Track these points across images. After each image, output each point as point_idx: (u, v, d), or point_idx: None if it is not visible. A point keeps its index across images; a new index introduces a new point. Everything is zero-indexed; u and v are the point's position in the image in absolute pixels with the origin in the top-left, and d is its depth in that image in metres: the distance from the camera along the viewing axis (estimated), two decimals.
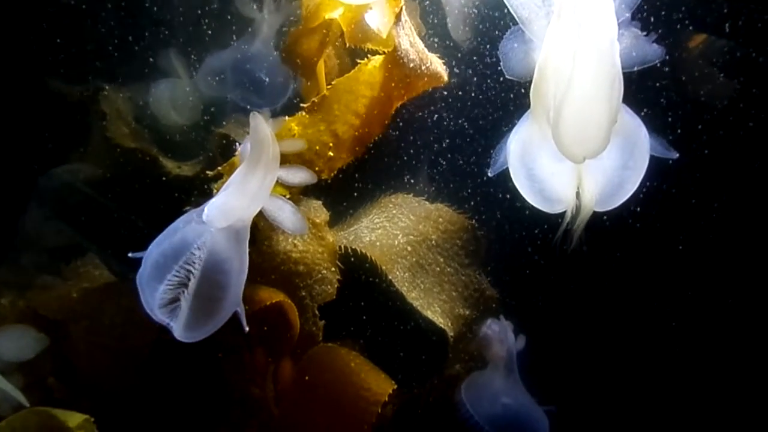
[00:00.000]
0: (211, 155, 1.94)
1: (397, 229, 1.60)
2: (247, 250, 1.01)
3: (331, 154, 1.16)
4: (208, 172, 1.20)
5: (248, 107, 1.87)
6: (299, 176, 0.97)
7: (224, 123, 1.96)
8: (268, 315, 1.39)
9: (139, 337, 1.48)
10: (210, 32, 1.93)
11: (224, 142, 1.93)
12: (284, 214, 0.97)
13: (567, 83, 0.88)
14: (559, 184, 1.01)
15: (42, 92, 1.92)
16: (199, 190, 1.80)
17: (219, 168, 1.20)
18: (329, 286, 1.41)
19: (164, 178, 1.91)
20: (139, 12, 1.94)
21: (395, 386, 1.24)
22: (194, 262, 0.93)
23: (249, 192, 0.95)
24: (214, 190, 1.15)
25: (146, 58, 1.94)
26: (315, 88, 1.60)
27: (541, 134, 0.96)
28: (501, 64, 1.02)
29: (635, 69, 0.97)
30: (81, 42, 1.95)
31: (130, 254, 0.99)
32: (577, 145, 0.90)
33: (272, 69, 1.86)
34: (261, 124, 0.93)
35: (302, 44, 1.51)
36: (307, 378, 1.28)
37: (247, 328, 1.02)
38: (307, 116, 1.18)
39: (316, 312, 1.40)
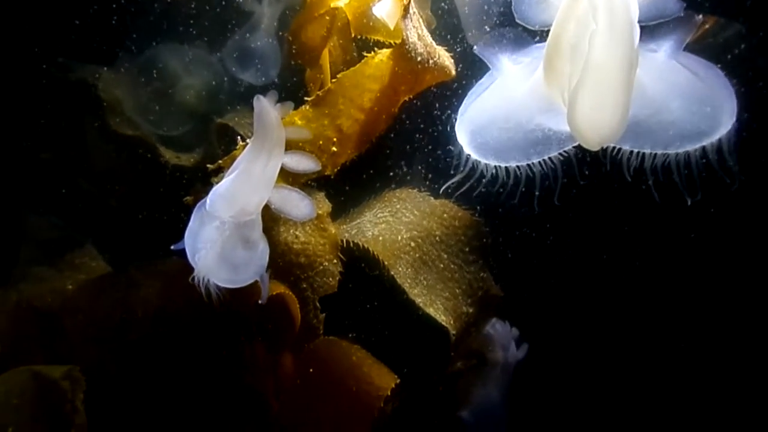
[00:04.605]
0: (211, 146, 1.99)
1: (400, 224, 1.65)
2: (262, 238, 1.05)
3: (335, 149, 1.20)
4: (208, 165, 1.24)
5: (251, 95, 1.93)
6: (304, 164, 1.01)
7: (224, 114, 2.01)
8: (268, 307, 1.43)
9: (136, 330, 1.52)
10: (210, 23, 1.97)
11: (225, 132, 1.98)
12: (292, 201, 1.01)
13: (583, 67, 0.88)
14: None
15: (39, 78, 1.95)
16: (199, 181, 1.85)
17: (219, 161, 1.24)
18: (331, 279, 1.45)
19: (163, 168, 1.94)
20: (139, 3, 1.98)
21: (398, 380, 1.29)
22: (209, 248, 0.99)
23: (253, 178, 1.00)
24: (214, 183, 1.19)
25: (143, 48, 1.98)
26: (319, 77, 1.64)
27: (548, 100, 0.97)
28: (512, 5, 1.00)
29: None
30: (80, 28, 1.99)
31: (172, 246, 1.07)
32: (594, 131, 0.91)
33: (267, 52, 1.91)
34: (266, 108, 0.97)
35: (307, 32, 1.55)
36: (308, 371, 1.33)
37: (264, 300, 1.10)
38: (311, 110, 1.22)
39: (317, 305, 1.44)
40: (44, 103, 1.97)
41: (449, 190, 1.52)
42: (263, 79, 1.98)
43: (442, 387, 1.65)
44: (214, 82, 2.04)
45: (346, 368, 1.28)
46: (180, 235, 1.88)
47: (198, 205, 1.09)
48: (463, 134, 1.09)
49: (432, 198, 1.70)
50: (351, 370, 1.27)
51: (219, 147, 1.98)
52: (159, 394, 1.53)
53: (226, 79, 2.03)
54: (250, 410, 1.51)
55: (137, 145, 1.98)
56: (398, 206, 1.70)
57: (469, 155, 1.10)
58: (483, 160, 1.08)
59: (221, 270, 1.04)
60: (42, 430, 1.31)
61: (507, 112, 1.06)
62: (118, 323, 1.50)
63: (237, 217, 1.01)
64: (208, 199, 1.02)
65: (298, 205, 1.01)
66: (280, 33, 1.89)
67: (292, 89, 1.94)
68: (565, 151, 1.05)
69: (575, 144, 1.02)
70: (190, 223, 1.08)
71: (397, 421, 1.39)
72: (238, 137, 1.24)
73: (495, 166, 1.11)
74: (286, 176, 1.24)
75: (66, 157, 2.00)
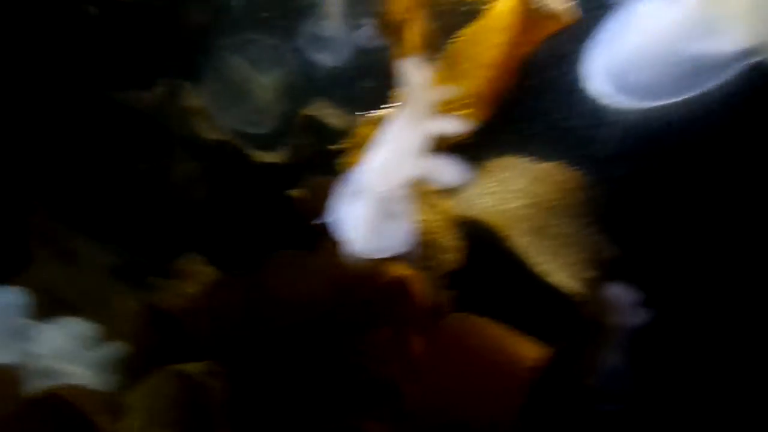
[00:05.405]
0: (298, 139, 1.99)
1: (511, 193, 1.60)
2: (410, 209, 1.03)
3: (463, 111, 1.14)
4: (330, 147, 1.22)
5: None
6: (455, 126, 0.96)
7: (305, 106, 2.01)
8: (392, 289, 1.42)
9: (260, 326, 1.54)
10: (279, 16, 1.97)
11: (310, 124, 1.98)
12: (441, 168, 0.97)
13: None
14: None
15: (107, 103, 2.00)
16: (291, 177, 1.86)
17: (343, 142, 1.21)
18: (452, 255, 1.42)
19: (254, 168, 1.97)
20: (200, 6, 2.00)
21: (544, 349, 1.24)
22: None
23: (404, 147, 0.96)
24: (342, 166, 1.17)
25: (220, 54, 2.00)
26: (405, 52, 1.60)
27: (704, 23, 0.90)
28: None
29: None
30: (144, 44, 2.04)
31: (314, 221, 1.07)
32: None
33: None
34: (416, 71, 0.93)
35: (393, 6, 1.52)
36: (443, 350, 1.30)
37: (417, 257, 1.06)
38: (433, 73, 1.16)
39: (442, 282, 1.41)
40: (127, 122, 2.02)
41: (567, 148, 1.45)
42: (339, 64, 1.98)
43: (569, 355, 1.59)
44: (291, 76, 2.05)
45: (486, 343, 1.24)
46: (280, 231, 1.89)
47: (342, 181, 1.07)
48: (600, 80, 1.03)
49: (538, 162, 1.64)
50: (492, 344, 1.23)
51: (306, 139, 1.99)
52: (285, 388, 1.54)
53: (301, 70, 2.04)
54: (381, 397, 1.50)
55: (226, 149, 2.01)
56: (505, 174, 1.64)
57: (607, 102, 1.03)
58: (625, 103, 1.02)
59: (369, 244, 1.02)
60: (187, 428, 1.34)
61: (649, 46, 0.99)
62: (242, 321, 1.51)
63: (388, 191, 0.98)
64: (358, 175, 1.00)
65: (448, 171, 0.97)
66: (351, 16, 1.87)
67: (369, 71, 1.92)
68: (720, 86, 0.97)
69: (738, 67, 0.93)
70: (336, 201, 1.07)
71: (537, 392, 1.33)
72: (364, 112, 1.21)
73: (628, 113, 1.04)
74: None
75: (155, 170, 2.05)
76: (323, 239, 1.65)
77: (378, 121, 1.17)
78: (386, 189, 0.97)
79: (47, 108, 1.95)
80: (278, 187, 1.89)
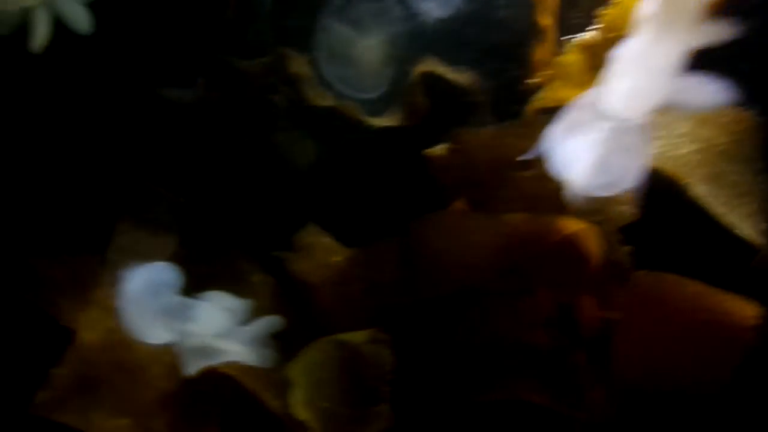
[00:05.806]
0: (412, 98, 1.88)
1: (677, 137, 1.43)
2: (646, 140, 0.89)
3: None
4: (527, 81, 1.09)
5: None
6: (719, 34, 0.80)
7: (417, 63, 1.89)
8: (558, 248, 1.29)
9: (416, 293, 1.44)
10: None
11: (429, 80, 1.86)
12: (694, 89, 0.81)
13: None
14: None
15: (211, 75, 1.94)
16: (410, 141, 1.76)
17: (538, 74, 1.08)
18: (627, 206, 1.28)
19: (369, 133, 1.88)
20: None
21: (760, 308, 1.08)
22: None
23: (656, 66, 0.82)
24: (535, 103, 1.04)
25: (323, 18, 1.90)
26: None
27: None
28: None
29: None
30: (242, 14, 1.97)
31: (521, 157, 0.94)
32: None
33: None
34: None
35: None
36: (637, 313, 1.16)
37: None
38: None
39: (618, 236, 1.27)
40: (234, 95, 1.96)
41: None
42: (448, 11, 1.85)
43: None
44: (397, 32, 1.93)
45: (693, 303, 1.10)
46: (402, 196, 1.78)
47: (568, 109, 0.94)
48: None
49: None
50: (701, 304, 1.09)
51: (422, 96, 1.88)
52: (442, 357, 1.45)
53: (408, 25, 1.92)
54: (538, 368, 1.39)
55: (338, 116, 1.93)
56: (665, 117, 1.47)
57: None
58: None
59: (595, 180, 0.89)
60: (351, 399, 1.28)
61: None
62: (395, 289, 1.43)
63: (632, 119, 0.85)
64: (604, 100, 0.86)
65: (702, 91, 0.81)
66: None
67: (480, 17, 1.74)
68: None
69: None
70: (556, 131, 0.94)
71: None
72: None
73: None
74: None
75: (265, 143, 1.99)
76: (456, 200, 1.54)
77: (585, 47, 1.04)
78: (632, 116, 0.83)
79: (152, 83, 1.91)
80: (396, 150, 1.80)
